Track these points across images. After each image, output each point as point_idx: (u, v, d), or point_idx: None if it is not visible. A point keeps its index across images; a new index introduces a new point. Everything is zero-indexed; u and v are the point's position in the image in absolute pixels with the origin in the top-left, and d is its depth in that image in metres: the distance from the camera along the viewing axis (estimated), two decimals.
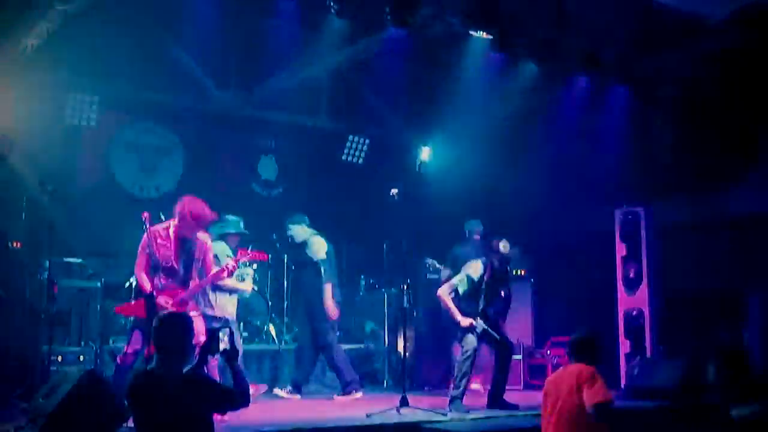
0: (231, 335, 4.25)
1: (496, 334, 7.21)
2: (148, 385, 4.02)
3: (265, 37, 8.40)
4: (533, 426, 5.99)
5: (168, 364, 4.06)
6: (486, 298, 7.16)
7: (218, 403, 4.22)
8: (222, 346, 4.22)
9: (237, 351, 4.32)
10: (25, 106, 7.66)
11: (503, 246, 7.29)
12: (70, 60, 8.20)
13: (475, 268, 7.24)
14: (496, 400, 7.25)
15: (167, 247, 6.11)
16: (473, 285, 7.18)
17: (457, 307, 7.14)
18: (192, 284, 6.21)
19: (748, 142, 8.36)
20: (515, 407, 7.10)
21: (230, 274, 6.38)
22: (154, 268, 6.06)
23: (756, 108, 8.37)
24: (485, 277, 7.20)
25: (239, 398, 4.20)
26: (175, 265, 6.11)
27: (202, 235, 6.32)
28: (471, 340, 7.12)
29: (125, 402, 4.18)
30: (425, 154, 10.74)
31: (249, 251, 6.62)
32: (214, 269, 6.30)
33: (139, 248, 6.13)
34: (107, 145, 9.95)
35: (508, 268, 7.46)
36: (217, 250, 6.73)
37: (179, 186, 9.90)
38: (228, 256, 6.73)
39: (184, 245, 6.18)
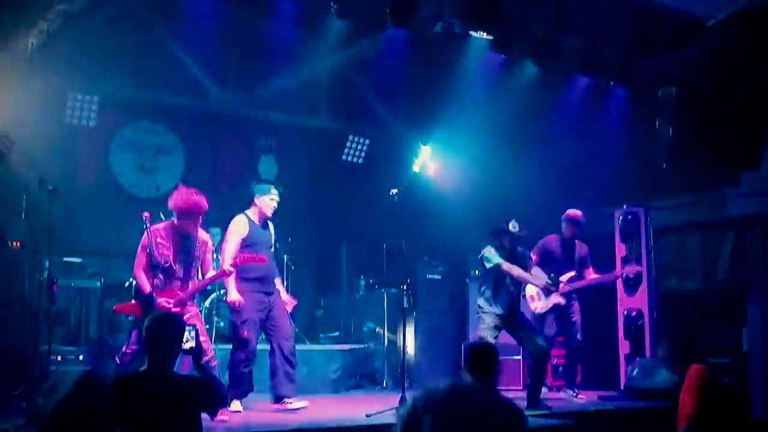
0: (196, 333, 4.20)
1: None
2: (137, 386, 3.98)
3: (265, 37, 8.38)
4: (537, 426, 6.00)
5: (158, 364, 4.04)
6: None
7: (209, 403, 4.21)
8: (188, 345, 4.18)
9: (202, 349, 4.27)
10: (25, 106, 7.64)
11: (512, 226, 7.30)
12: (70, 60, 8.19)
13: (488, 250, 7.29)
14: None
15: (166, 246, 6.10)
16: (499, 272, 7.23)
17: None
18: (191, 285, 6.20)
19: (748, 142, 8.36)
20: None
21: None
22: (153, 268, 6.03)
23: (755, 108, 8.37)
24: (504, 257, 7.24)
25: (223, 398, 4.16)
26: (174, 266, 6.10)
27: (203, 234, 6.31)
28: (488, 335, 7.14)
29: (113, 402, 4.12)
30: (425, 154, 10.81)
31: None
32: (211, 271, 6.31)
33: (139, 248, 6.11)
34: (107, 145, 9.95)
35: (519, 249, 7.41)
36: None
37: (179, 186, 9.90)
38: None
39: (184, 244, 6.16)
